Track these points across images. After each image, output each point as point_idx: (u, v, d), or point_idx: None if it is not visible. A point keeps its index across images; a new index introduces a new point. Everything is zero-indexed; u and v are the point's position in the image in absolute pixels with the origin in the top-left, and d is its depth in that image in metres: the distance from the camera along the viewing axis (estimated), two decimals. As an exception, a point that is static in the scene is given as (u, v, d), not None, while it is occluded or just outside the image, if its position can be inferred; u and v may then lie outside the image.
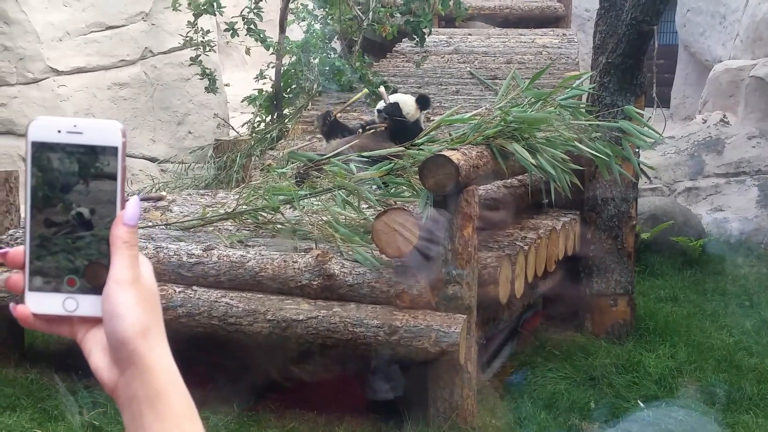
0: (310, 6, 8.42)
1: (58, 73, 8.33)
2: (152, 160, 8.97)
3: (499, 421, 4.24)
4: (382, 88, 6.41)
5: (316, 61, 8.02)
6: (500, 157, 4.27)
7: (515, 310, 4.89)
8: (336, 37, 8.57)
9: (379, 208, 4.20)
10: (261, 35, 7.69)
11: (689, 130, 10.30)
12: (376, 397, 4.20)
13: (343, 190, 4.38)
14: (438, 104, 7.40)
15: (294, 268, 4.05)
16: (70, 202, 0.89)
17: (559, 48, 9.50)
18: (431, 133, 4.73)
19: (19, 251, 0.90)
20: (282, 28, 8.02)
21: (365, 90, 6.19)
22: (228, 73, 11.22)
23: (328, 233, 4.31)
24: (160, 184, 7.39)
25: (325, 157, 4.91)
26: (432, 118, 6.41)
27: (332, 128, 5.84)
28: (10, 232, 4.65)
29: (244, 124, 8.46)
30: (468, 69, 8.67)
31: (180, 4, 7.75)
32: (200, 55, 7.93)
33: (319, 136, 6.91)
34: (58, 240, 0.89)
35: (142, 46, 8.97)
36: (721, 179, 9.47)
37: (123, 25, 8.82)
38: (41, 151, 0.88)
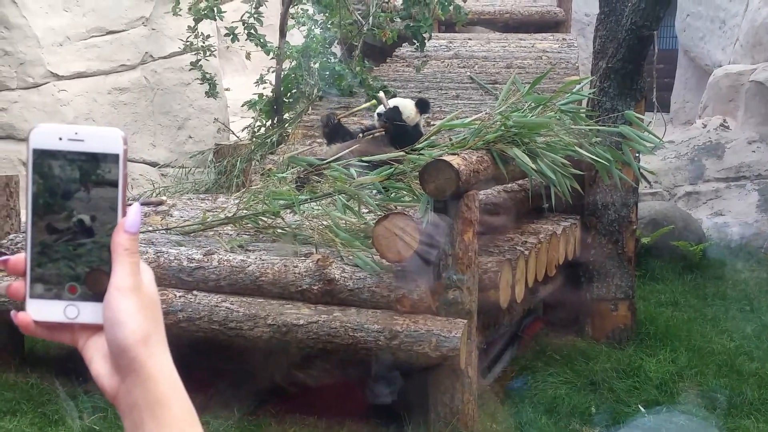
0: (311, 11, 8.42)
1: (58, 77, 8.33)
2: (152, 164, 8.97)
3: (499, 426, 4.24)
4: (381, 93, 6.41)
5: (317, 65, 8.03)
6: (500, 162, 4.27)
7: (516, 314, 4.89)
8: (336, 41, 8.57)
9: (379, 213, 4.20)
10: (261, 40, 7.69)
11: (689, 134, 10.31)
12: (376, 401, 4.20)
13: (344, 195, 4.38)
14: (438, 109, 7.40)
15: (294, 273, 4.05)
16: (72, 209, 0.89)
17: (559, 53, 9.50)
18: (431, 138, 4.73)
19: (20, 258, 0.90)
20: (282, 33, 8.03)
21: (373, 101, 6.17)
22: (228, 77, 11.23)
23: (328, 238, 4.31)
24: (161, 189, 7.40)
25: (325, 161, 4.91)
26: (432, 123, 6.41)
27: (334, 131, 5.83)
28: (11, 236, 4.65)
29: (245, 128, 8.47)
30: (468, 73, 8.68)
31: (180, 9, 7.75)
32: (200, 59, 7.94)
33: (319, 140, 6.91)
34: (59, 247, 0.89)
35: (143, 51, 8.98)
36: (722, 184, 9.47)
37: (123, 30, 8.83)
38: (42, 158, 0.88)
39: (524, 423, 4.30)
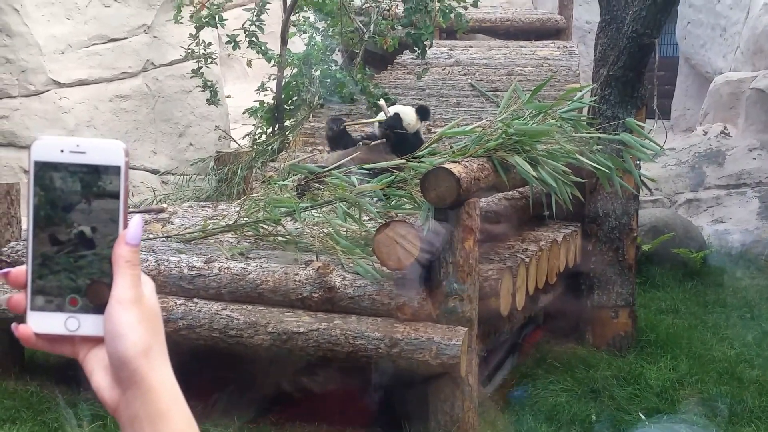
0: (312, 18, 8.44)
1: (59, 85, 8.35)
2: (153, 172, 8.98)
3: (500, 434, 4.23)
4: (382, 101, 6.42)
5: (318, 73, 8.04)
6: (501, 170, 4.28)
7: (516, 322, 4.89)
8: (337, 49, 8.59)
9: (380, 221, 4.20)
10: (262, 47, 7.71)
11: (690, 141, 10.31)
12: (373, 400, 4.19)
13: (345, 203, 4.39)
14: (439, 116, 7.41)
15: (295, 281, 4.05)
16: (73, 221, 0.89)
17: (560, 60, 9.52)
18: (433, 146, 4.73)
19: (21, 271, 0.90)
20: (283, 41, 8.04)
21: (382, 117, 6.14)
22: (229, 85, 11.25)
23: (329, 245, 4.31)
24: (161, 196, 7.40)
25: (326, 169, 4.91)
26: (433, 130, 6.42)
27: (339, 136, 5.83)
28: (12, 244, 4.65)
29: (246, 136, 8.48)
30: (469, 81, 8.69)
31: (182, 17, 7.78)
32: (202, 67, 7.95)
33: (320, 147, 6.92)
34: (60, 259, 0.89)
35: (144, 59, 9.00)
36: (722, 191, 9.47)
37: (125, 38, 8.85)
38: (44, 170, 0.89)
39: (525, 431, 4.30)
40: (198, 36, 7.86)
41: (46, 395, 4.35)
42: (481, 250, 4.07)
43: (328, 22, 8.39)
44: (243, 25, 7.68)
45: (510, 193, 5.17)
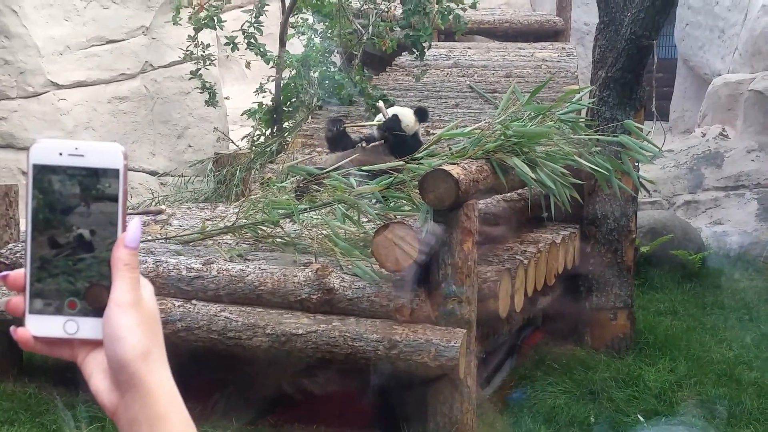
0: (310, 20, 8.44)
1: (58, 86, 8.34)
2: (152, 173, 8.97)
3: (498, 436, 4.23)
4: (380, 102, 6.42)
5: (316, 74, 8.04)
6: (500, 172, 4.28)
7: (515, 324, 4.89)
8: (336, 50, 8.59)
9: (378, 222, 4.20)
10: (261, 49, 7.71)
11: (688, 143, 10.32)
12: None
13: (343, 204, 4.39)
14: (438, 118, 7.41)
15: (294, 282, 4.05)
16: (72, 224, 0.89)
17: (559, 62, 9.52)
18: (431, 147, 4.73)
19: (20, 274, 0.90)
20: (282, 42, 8.04)
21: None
22: (228, 86, 11.25)
23: (327, 247, 4.31)
24: (160, 198, 7.40)
25: (324, 171, 4.91)
26: (432, 132, 6.42)
27: (339, 137, 5.82)
28: (10, 246, 4.64)
29: (244, 137, 8.48)
30: (467, 82, 8.69)
31: (180, 19, 7.77)
32: (200, 68, 7.95)
33: (319, 149, 6.92)
34: (59, 262, 0.89)
35: (143, 60, 8.99)
36: (721, 193, 9.48)
37: (123, 39, 8.84)
38: (43, 173, 0.89)
39: (524, 433, 4.30)
40: (196, 37, 7.85)
41: (44, 397, 4.34)
42: (479, 252, 4.07)
43: (327, 23, 8.40)
44: (241, 26, 7.68)
45: (508, 194, 5.18)
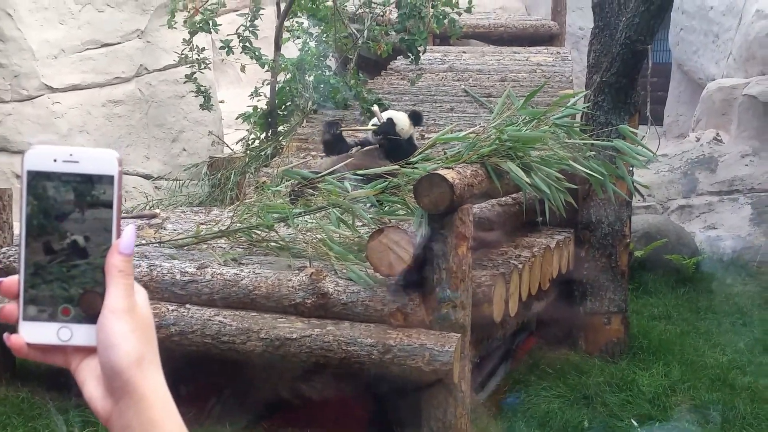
0: (306, 24, 8.45)
1: (52, 90, 8.33)
2: (146, 177, 8.96)
3: (492, 440, 4.23)
4: (375, 107, 6.42)
5: (311, 78, 8.04)
6: (495, 176, 4.28)
7: (509, 329, 4.89)
8: (331, 54, 8.59)
9: (373, 227, 4.20)
10: (256, 53, 7.71)
11: (682, 148, 10.35)
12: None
13: (338, 209, 4.38)
14: (432, 122, 7.42)
15: (288, 287, 4.04)
16: (66, 230, 0.89)
17: (554, 66, 9.54)
18: (426, 152, 4.74)
19: (14, 281, 0.90)
20: (277, 46, 8.05)
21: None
22: (223, 90, 11.24)
23: (322, 251, 4.31)
24: (154, 202, 7.39)
25: (319, 175, 4.91)
26: (427, 136, 6.43)
27: (335, 140, 5.81)
28: (3, 250, 4.63)
29: (239, 141, 8.47)
30: (462, 87, 8.70)
31: (175, 22, 7.77)
32: (195, 72, 7.95)
33: (313, 153, 6.92)
34: (53, 268, 0.89)
35: (137, 64, 8.98)
36: (715, 197, 9.50)
37: (118, 43, 8.84)
38: (37, 179, 0.89)
39: (518, 437, 4.30)
40: (191, 41, 7.85)
41: (37, 401, 4.33)
42: (474, 256, 4.07)
43: (322, 27, 8.40)
44: (236, 30, 7.68)
45: (503, 199, 5.18)
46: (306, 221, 4.60)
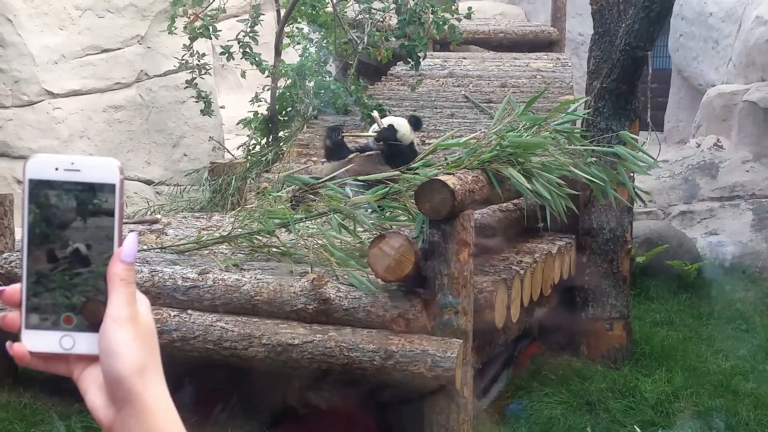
0: (306, 30, 8.46)
1: (53, 95, 8.33)
2: (147, 182, 8.96)
3: (495, 447, 4.22)
4: (375, 112, 6.42)
5: (312, 84, 8.05)
6: (496, 182, 4.28)
7: (511, 334, 4.88)
8: (331, 60, 8.60)
9: (374, 232, 4.20)
10: (256, 58, 7.71)
11: (683, 153, 10.34)
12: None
13: (339, 214, 4.38)
14: (433, 127, 7.42)
15: (290, 292, 4.03)
16: (68, 238, 0.89)
17: (554, 72, 9.55)
18: (427, 157, 4.73)
19: (16, 289, 0.89)
20: (277, 52, 8.05)
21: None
22: (223, 95, 11.24)
23: (323, 257, 4.30)
24: (155, 207, 7.38)
25: (320, 180, 4.91)
26: (427, 142, 6.43)
27: (337, 146, 5.81)
28: (5, 255, 4.62)
29: (240, 146, 8.47)
30: (463, 92, 8.70)
31: (176, 28, 7.78)
32: (196, 77, 7.95)
33: (314, 158, 6.92)
34: (55, 277, 0.89)
35: (138, 69, 8.99)
36: (716, 203, 9.49)
37: (119, 48, 8.85)
38: (39, 188, 0.88)
39: (520, 444, 4.29)
40: (192, 47, 7.86)
41: (39, 407, 4.32)
42: (475, 262, 4.07)
43: (322, 33, 8.41)
44: (237, 36, 7.68)
45: (504, 205, 5.17)
46: (307, 227, 4.60)
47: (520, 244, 5.19)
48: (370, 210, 4.48)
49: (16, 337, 0.90)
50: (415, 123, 5.85)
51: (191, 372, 3.98)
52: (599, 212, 5.68)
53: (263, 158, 7.53)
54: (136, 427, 0.85)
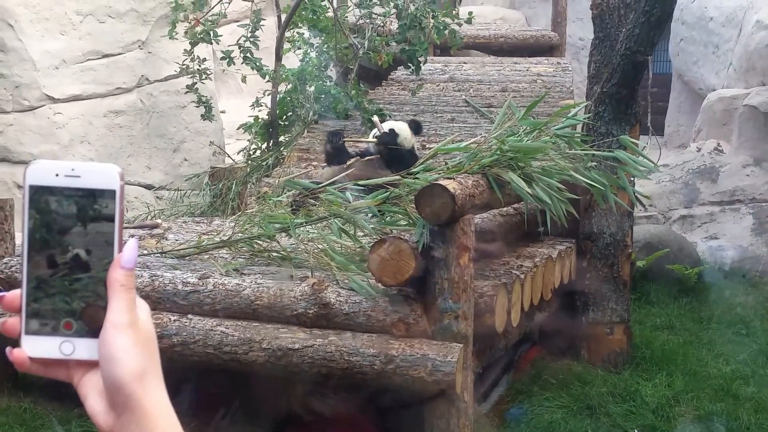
0: (306, 35, 8.47)
1: (54, 100, 8.34)
2: (148, 187, 8.96)
3: (495, 451, 4.22)
4: (375, 117, 6.43)
5: (312, 88, 8.05)
6: (496, 186, 4.28)
7: (511, 339, 4.88)
8: (332, 65, 8.61)
9: (375, 237, 4.20)
10: (257, 63, 7.72)
11: (683, 158, 10.34)
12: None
13: (339, 219, 4.38)
14: (433, 132, 7.42)
15: (290, 297, 4.03)
16: (68, 244, 0.89)
17: (554, 76, 9.55)
18: (428, 162, 4.74)
19: (16, 295, 0.90)
20: (278, 56, 8.06)
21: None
22: (224, 100, 11.25)
23: (324, 262, 4.30)
24: (156, 212, 7.38)
25: (321, 185, 4.91)
26: (428, 146, 6.43)
27: (338, 150, 5.82)
28: (5, 260, 4.63)
29: (240, 151, 8.48)
30: (463, 97, 8.71)
31: (177, 33, 7.79)
32: (196, 82, 7.96)
33: (315, 163, 6.92)
34: (55, 282, 0.89)
35: (139, 74, 9.00)
36: (716, 207, 9.49)
37: (119, 53, 8.85)
38: (39, 194, 0.88)
39: (520, 448, 4.29)
40: (193, 51, 7.87)
41: (39, 412, 4.32)
42: (476, 267, 4.07)
43: (323, 38, 8.42)
44: (238, 40, 7.69)
45: (504, 209, 5.17)
46: (307, 231, 4.60)
47: (520, 249, 5.19)
48: (370, 214, 4.48)
49: (16, 343, 0.90)
50: (416, 127, 5.86)
51: (192, 377, 3.98)
52: (600, 216, 5.68)
53: (264, 163, 7.53)
54: (136, 433, 0.85)
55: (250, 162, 7.78)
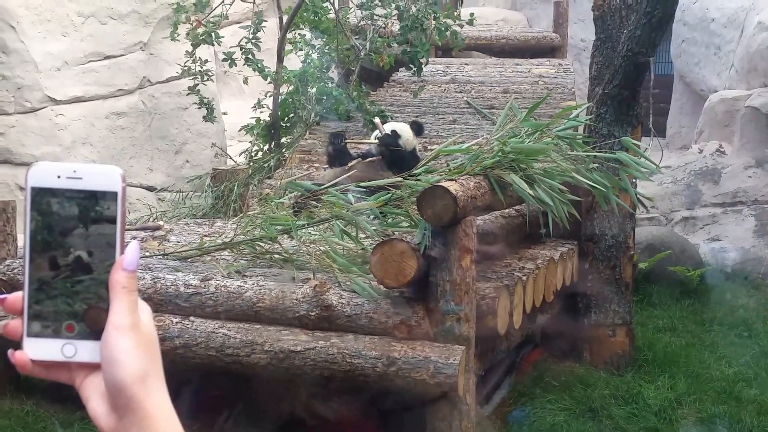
0: (308, 36, 8.47)
1: (56, 102, 8.34)
2: (150, 189, 8.96)
3: (497, 453, 4.21)
4: (377, 119, 6.42)
5: (314, 90, 8.05)
6: (498, 188, 4.27)
7: (514, 341, 4.87)
8: (333, 66, 8.61)
9: (377, 239, 4.19)
10: (259, 65, 7.72)
11: (685, 159, 10.34)
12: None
13: (341, 221, 4.38)
14: (435, 134, 7.42)
15: (292, 299, 4.03)
16: (70, 246, 0.89)
17: (556, 78, 9.55)
18: (429, 163, 4.73)
19: (18, 297, 0.89)
20: (280, 58, 8.06)
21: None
22: (225, 101, 11.26)
23: (326, 263, 4.29)
24: (158, 214, 7.38)
25: (322, 187, 4.91)
26: (429, 148, 6.43)
27: (339, 152, 5.82)
28: (7, 262, 4.63)
29: (242, 153, 8.48)
30: (465, 98, 8.71)
31: (178, 34, 7.79)
32: (198, 84, 7.96)
33: (316, 165, 6.92)
34: (57, 284, 0.89)
35: (140, 76, 9.00)
36: (718, 209, 9.48)
37: (121, 55, 8.86)
38: (41, 196, 0.88)
39: (522, 450, 4.28)
40: (194, 53, 7.87)
41: (41, 415, 4.32)
42: (478, 269, 4.06)
43: (324, 39, 8.42)
44: (239, 42, 7.69)
45: (506, 211, 5.17)
46: (309, 233, 4.60)
47: (522, 251, 5.18)
48: (372, 216, 4.48)
49: (17, 345, 0.90)
50: (417, 129, 5.85)
51: (194, 379, 3.98)
52: (601, 218, 5.68)
53: (265, 165, 7.53)
54: (138, 435, 0.85)
55: (251, 164, 7.77)
